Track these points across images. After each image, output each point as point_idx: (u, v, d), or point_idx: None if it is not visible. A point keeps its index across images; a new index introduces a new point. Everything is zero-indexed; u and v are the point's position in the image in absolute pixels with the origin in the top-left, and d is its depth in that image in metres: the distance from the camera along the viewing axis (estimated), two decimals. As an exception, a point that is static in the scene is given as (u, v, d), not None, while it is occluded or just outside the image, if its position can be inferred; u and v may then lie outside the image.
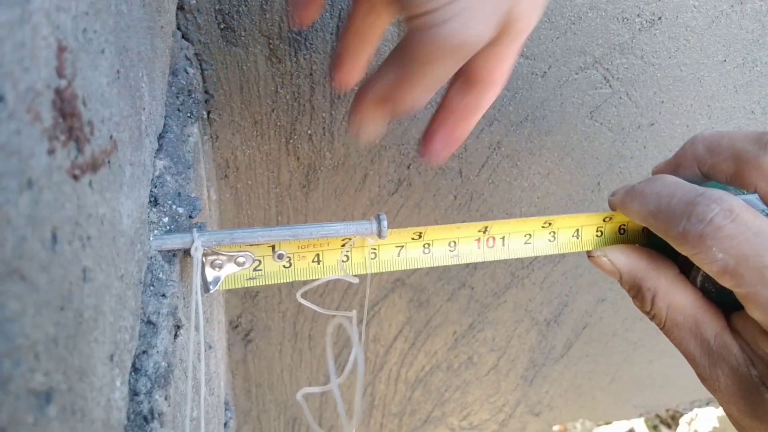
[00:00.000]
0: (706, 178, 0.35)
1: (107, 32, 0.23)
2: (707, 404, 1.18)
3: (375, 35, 0.36)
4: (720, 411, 1.70)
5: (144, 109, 0.29)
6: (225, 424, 0.58)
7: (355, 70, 0.38)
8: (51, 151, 0.16)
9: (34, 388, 0.14)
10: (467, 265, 0.73)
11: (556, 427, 1.16)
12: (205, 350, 0.42)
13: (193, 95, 0.41)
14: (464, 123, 0.36)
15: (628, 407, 1.13)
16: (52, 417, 0.15)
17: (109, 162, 0.22)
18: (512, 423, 1.06)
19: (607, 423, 1.15)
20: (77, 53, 0.19)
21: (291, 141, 0.54)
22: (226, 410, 0.60)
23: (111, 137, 0.22)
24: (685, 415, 1.95)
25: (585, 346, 0.93)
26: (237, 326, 0.71)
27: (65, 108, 0.17)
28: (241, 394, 0.80)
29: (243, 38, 0.46)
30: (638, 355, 0.98)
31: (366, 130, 0.34)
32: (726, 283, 0.30)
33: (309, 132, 0.54)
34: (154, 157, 0.31)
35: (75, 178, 0.18)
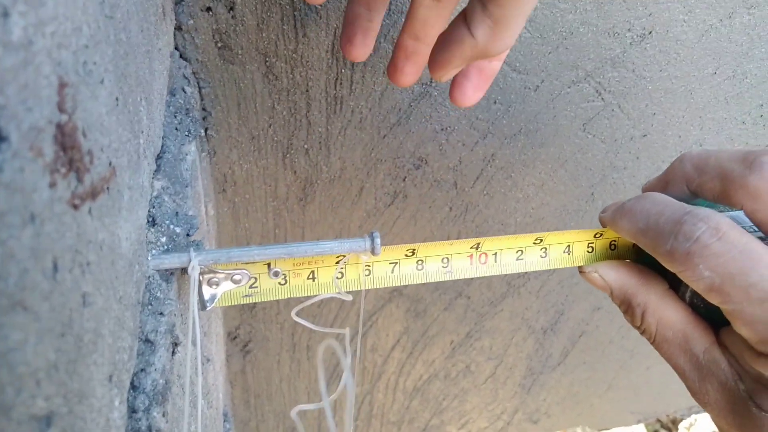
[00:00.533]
0: (694, 195, 0.36)
1: (106, 62, 0.23)
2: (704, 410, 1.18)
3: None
4: (719, 417, 1.70)
5: (142, 132, 0.29)
6: (223, 436, 0.59)
7: (368, 42, 0.39)
8: (52, 185, 0.17)
9: (35, 414, 0.15)
10: (461, 278, 0.74)
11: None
12: (203, 364, 0.43)
13: (190, 114, 0.42)
14: (495, 61, 0.37)
15: (626, 414, 1.13)
16: (53, 440, 0.16)
17: (108, 188, 0.22)
18: (510, 430, 1.07)
19: (605, 430, 1.16)
20: (77, 87, 0.20)
21: (288, 155, 0.55)
22: (225, 421, 0.60)
23: (110, 164, 0.23)
24: (684, 420, 1.95)
25: (582, 353, 0.93)
26: (235, 337, 0.71)
27: (66, 142, 0.18)
28: (240, 404, 0.80)
29: (240, 56, 0.47)
30: (635, 362, 0.99)
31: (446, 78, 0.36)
32: (713, 300, 0.31)
33: (306, 146, 0.55)
34: (152, 177, 0.32)
35: (75, 207, 0.19)
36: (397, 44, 0.36)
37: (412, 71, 0.37)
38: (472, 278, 0.75)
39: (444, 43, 0.34)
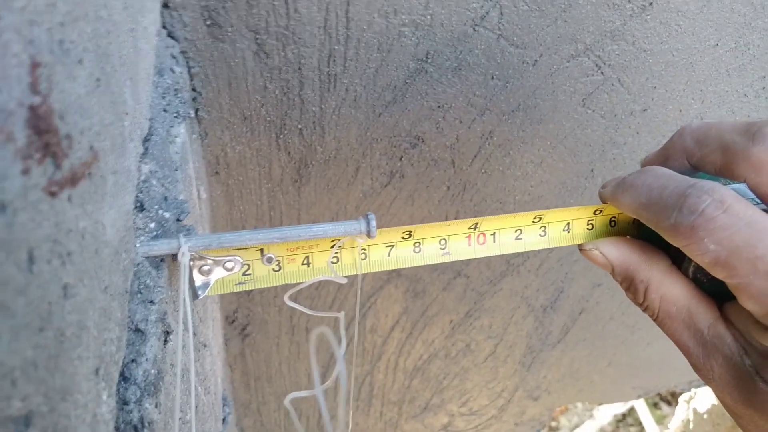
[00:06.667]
0: (695, 169, 0.35)
1: (85, 40, 0.22)
2: (705, 384, 1.19)
3: None
4: (718, 390, 1.71)
5: (127, 114, 0.28)
6: (223, 420, 0.58)
7: None
8: (25, 171, 0.16)
9: (10, 415, 0.14)
10: (459, 260, 0.74)
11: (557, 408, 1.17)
12: (200, 349, 0.42)
13: (179, 94, 0.40)
14: None
15: (627, 389, 1.14)
16: (33, 441, 0.15)
17: (89, 174, 0.21)
18: (511, 408, 1.07)
19: (605, 404, 1.17)
20: (53, 66, 0.19)
21: (281, 136, 0.54)
22: (224, 406, 0.60)
23: (91, 148, 0.22)
24: (684, 394, 1.97)
25: (582, 330, 0.93)
26: (233, 321, 0.71)
27: (40, 125, 0.17)
28: (240, 387, 0.80)
29: (230, 34, 0.46)
30: (636, 338, 0.99)
31: None
32: (718, 274, 0.30)
33: (299, 126, 0.54)
34: (140, 161, 0.31)
35: (52, 195, 0.18)
36: None
37: None
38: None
39: None
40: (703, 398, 1.81)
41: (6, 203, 0.15)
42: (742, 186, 0.33)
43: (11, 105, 0.16)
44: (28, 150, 0.17)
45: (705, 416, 1.77)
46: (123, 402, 0.24)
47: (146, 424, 0.24)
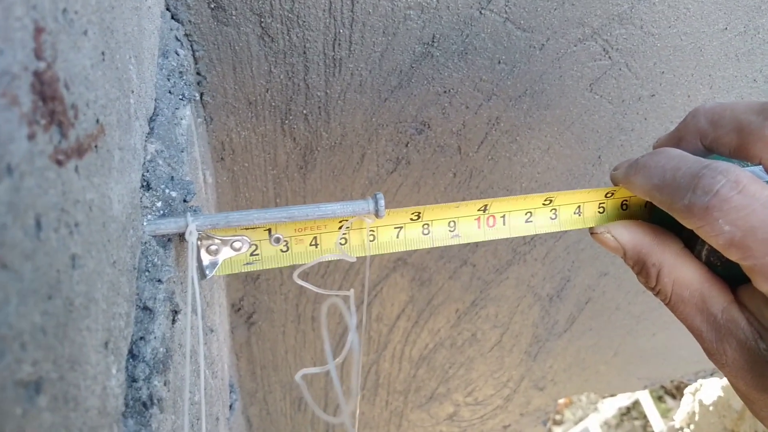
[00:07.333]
0: (708, 151, 0.35)
1: (90, 12, 0.22)
2: (711, 375, 1.18)
3: None
4: (724, 381, 1.71)
5: (133, 91, 0.28)
6: (230, 406, 0.58)
7: None
8: (31, 136, 0.16)
9: (21, 379, 0.14)
10: (468, 242, 0.73)
11: (561, 400, 1.17)
12: (207, 333, 0.42)
13: (184, 77, 0.40)
14: None
15: (633, 380, 1.13)
16: (42, 407, 0.15)
17: (96, 146, 0.21)
18: (517, 398, 1.07)
19: (611, 395, 1.16)
20: (57, 34, 0.18)
21: (287, 121, 0.53)
22: (231, 392, 0.60)
23: (97, 121, 0.22)
24: (689, 386, 1.96)
25: (588, 320, 0.93)
26: (239, 309, 0.71)
27: (46, 91, 0.17)
28: (247, 375, 0.80)
29: (234, 17, 0.45)
30: (641, 327, 0.98)
31: None
32: (733, 256, 0.30)
33: (305, 112, 0.53)
34: (145, 140, 0.31)
35: (59, 163, 0.18)
36: None
37: None
38: (477, 245, 0.74)
39: None
40: (708, 390, 1.81)
41: (12, 166, 0.15)
42: (758, 168, 0.32)
43: (15, 68, 0.15)
44: (34, 115, 0.16)
45: (711, 408, 1.77)
46: (132, 379, 0.24)
47: (155, 401, 0.24)
